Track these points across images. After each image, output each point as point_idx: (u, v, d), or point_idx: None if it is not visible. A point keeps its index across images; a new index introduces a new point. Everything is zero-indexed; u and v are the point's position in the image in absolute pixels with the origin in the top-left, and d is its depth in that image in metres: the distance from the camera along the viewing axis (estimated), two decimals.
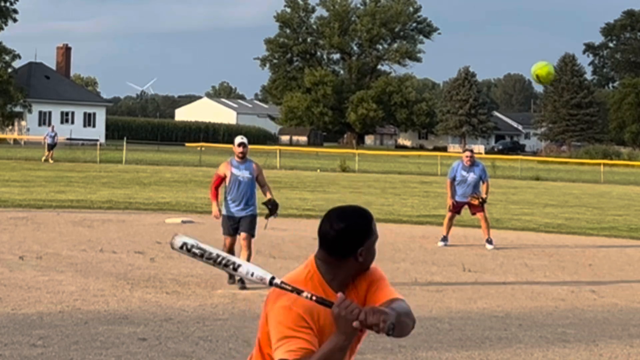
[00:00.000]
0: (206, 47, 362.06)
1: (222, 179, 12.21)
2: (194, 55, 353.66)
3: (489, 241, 16.89)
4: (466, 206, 17.24)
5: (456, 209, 17.26)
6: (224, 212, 12.13)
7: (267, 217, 12.35)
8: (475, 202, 16.96)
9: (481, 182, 17.31)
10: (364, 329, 3.37)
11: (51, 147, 48.04)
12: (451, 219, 17.19)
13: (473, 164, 17.30)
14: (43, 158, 46.91)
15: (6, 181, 30.27)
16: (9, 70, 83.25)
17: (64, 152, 60.12)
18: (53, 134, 48.96)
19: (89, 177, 34.99)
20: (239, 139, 12.37)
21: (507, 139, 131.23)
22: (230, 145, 13.10)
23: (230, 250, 12.03)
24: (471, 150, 18.03)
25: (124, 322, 9.27)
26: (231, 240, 12.07)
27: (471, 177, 17.15)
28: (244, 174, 12.13)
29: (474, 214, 17.32)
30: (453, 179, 17.25)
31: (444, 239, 17.11)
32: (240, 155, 12.19)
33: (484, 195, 17.15)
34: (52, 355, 7.88)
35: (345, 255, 3.54)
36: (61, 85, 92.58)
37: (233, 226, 12.08)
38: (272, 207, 12.19)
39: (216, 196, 12.24)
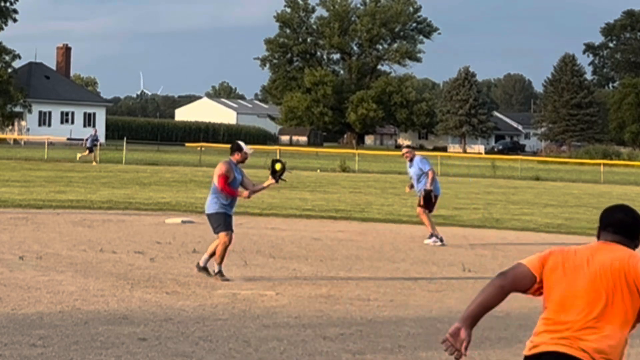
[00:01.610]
0: (206, 47, 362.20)
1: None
2: (194, 55, 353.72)
3: (432, 236, 17.17)
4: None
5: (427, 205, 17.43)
6: (221, 210, 12.20)
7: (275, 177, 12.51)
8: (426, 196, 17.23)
9: (423, 175, 17.32)
10: None
11: (90, 149, 47.58)
12: (424, 213, 17.30)
13: (412, 159, 17.51)
14: (94, 162, 46.29)
15: (6, 181, 30.28)
16: (9, 70, 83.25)
17: (64, 152, 60.12)
18: (96, 136, 48.52)
19: (89, 177, 35.00)
20: (248, 147, 12.50)
21: (507, 139, 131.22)
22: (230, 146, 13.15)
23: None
24: (407, 146, 18.53)
25: (124, 322, 9.27)
26: (231, 236, 12.19)
27: (412, 171, 17.48)
28: (238, 177, 12.40)
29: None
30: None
31: (435, 237, 17.30)
32: (243, 160, 12.42)
33: (427, 187, 17.17)
34: (52, 355, 7.88)
35: (633, 238, 4.60)
36: (61, 85, 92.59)
37: (231, 222, 12.29)
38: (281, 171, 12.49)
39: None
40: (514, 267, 4.67)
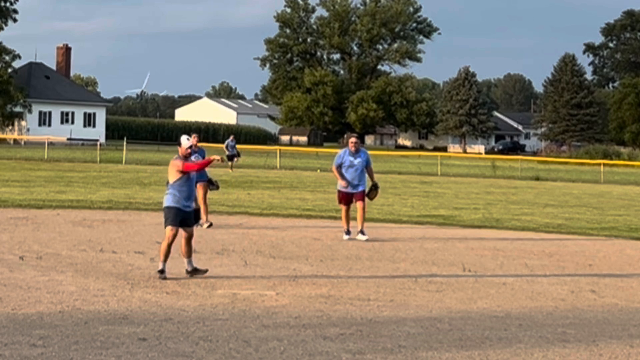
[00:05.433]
0: (206, 47, 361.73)
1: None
2: (194, 55, 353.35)
3: (362, 232, 17.41)
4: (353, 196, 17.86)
5: (347, 200, 17.78)
6: (175, 204, 12.25)
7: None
8: (373, 190, 18.07)
9: (365, 167, 18.04)
10: None
11: (231, 158, 44.28)
12: (347, 211, 17.70)
13: (358, 150, 18.01)
14: (231, 172, 42.80)
15: (6, 181, 30.29)
16: (9, 70, 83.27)
17: (64, 151, 60.17)
18: (233, 143, 45.89)
19: (89, 177, 35.01)
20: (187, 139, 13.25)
21: (507, 139, 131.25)
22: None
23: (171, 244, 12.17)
24: (356, 136, 18.81)
25: (124, 322, 9.27)
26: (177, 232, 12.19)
27: (358, 161, 17.89)
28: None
29: (355, 201, 17.78)
30: (339, 166, 18.01)
31: (348, 232, 17.54)
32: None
33: (374, 181, 18.11)
34: (52, 355, 7.88)
35: None
36: (61, 85, 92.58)
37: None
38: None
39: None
40: None
